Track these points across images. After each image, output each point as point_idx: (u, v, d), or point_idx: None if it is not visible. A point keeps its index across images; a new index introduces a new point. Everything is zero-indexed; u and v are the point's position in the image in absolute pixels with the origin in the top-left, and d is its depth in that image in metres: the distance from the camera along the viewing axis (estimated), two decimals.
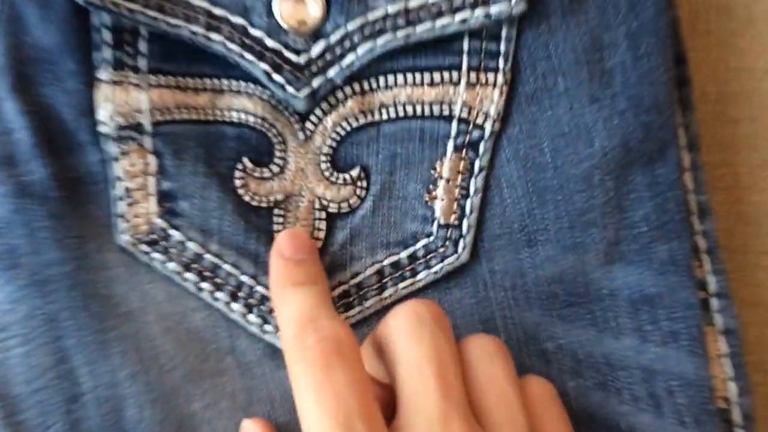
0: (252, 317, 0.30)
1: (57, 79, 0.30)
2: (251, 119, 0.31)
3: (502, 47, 0.30)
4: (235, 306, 0.30)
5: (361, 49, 0.30)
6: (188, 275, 0.30)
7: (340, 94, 0.31)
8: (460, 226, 0.31)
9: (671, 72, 0.30)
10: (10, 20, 0.30)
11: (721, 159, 0.33)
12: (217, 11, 0.30)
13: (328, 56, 0.30)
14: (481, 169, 0.31)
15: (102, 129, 0.30)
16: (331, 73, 0.30)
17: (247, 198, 0.31)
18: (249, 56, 0.30)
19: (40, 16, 0.29)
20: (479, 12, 0.29)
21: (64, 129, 0.30)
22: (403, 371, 0.25)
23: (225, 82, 0.31)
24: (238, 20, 0.30)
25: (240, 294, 0.31)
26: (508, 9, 0.29)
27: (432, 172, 0.31)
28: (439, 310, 0.27)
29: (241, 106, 0.31)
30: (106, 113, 0.30)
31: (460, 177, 0.31)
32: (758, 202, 0.33)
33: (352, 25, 0.30)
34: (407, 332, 0.26)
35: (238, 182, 0.31)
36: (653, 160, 0.30)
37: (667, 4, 0.30)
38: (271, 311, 0.30)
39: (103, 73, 0.30)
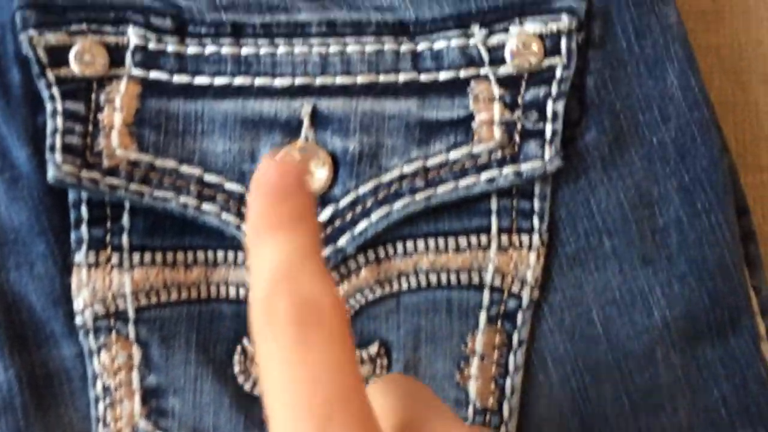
0: None
1: (26, 264, 0.26)
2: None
3: (536, 205, 0.27)
4: None
5: (375, 215, 0.26)
6: None
7: (352, 264, 0.27)
8: (500, 410, 0.27)
9: (735, 230, 0.26)
10: None
11: None
12: (211, 178, 0.26)
13: (338, 223, 0.26)
14: (520, 343, 0.27)
15: (77, 320, 0.26)
16: (342, 241, 0.26)
17: (247, 386, 0.27)
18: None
19: (8, 194, 0.26)
20: (508, 170, 0.26)
21: (33, 320, 0.26)
22: None
23: (220, 253, 0.27)
24: (234, 187, 0.26)
25: None
26: (542, 167, 0.26)
27: (463, 347, 0.27)
28: None
29: (239, 279, 0.27)
30: (81, 301, 0.26)
31: (496, 353, 0.27)
32: None
33: (363, 188, 0.27)
34: None
35: (236, 368, 0.27)
36: (725, 332, 0.26)
37: (721, 151, 0.27)
38: None
39: (79, 255, 0.26)
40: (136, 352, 0.26)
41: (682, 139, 0.27)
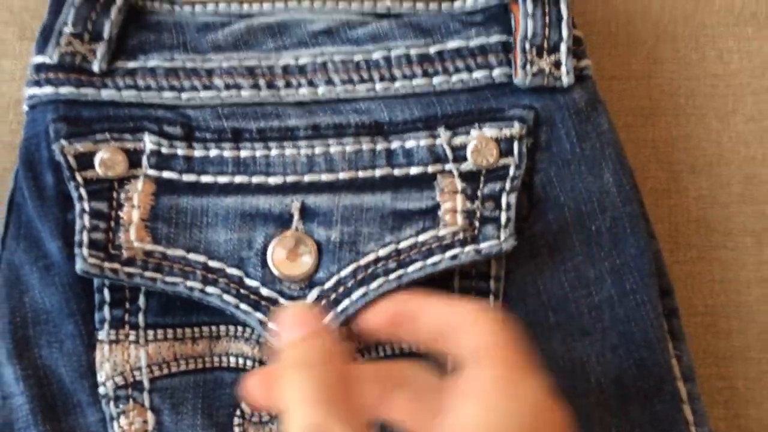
0: None
1: (57, 342, 0.30)
2: (248, 363, 0.31)
3: (492, 286, 0.31)
4: None
5: (355, 295, 0.31)
6: None
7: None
8: None
9: (659, 308, 0.31)
10: (10, 283, 0.31)
11: (716, 372, 0.34)
12: (214, 264, 0.31)
13: (324, 302, 0.31)
14: None
15: (101, 390, 0.30)
16: (327, 318, 0.31)
17: None
18: (244, 307, 0.30)
19: (42, 280, 0.30)
20: (469, 249, 0.30)
21: (62, 391, 0.30)
22: None
23: (222, 327, 0.31)
24: (234, 271, 0.31)
25: None
26: (498, 245, 0.30)
27: None
28: None
29: (238, 350, 0.31)
30: (104, 374, 0.30)
31: None
32: (758, 416, 0.33)
33: (344, 272, 0.31)
34: None
35: (236, 429, 0.31)
36: (651, 396, 0.30)
37: (648, 240, 0.31)
38: None
39: (102, 333, 0.30)
40: (151, 418, 0.30)
41: (615, 228, 0.31)
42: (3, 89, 0.38)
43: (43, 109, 0.32)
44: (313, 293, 0.31)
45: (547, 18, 0.33)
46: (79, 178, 0.31)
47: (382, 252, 0.31)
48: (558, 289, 0.31)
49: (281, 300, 0.31)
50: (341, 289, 0.31)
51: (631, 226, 0.31)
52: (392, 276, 0.31)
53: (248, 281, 0.31)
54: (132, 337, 0.30)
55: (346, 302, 0.31)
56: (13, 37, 0.39)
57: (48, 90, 0.32)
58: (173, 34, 0.34)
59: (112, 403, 0.30)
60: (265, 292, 0.31)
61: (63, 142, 0.31)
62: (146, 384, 0.30)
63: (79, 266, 0.30)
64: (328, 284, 0.31)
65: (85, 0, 0.33)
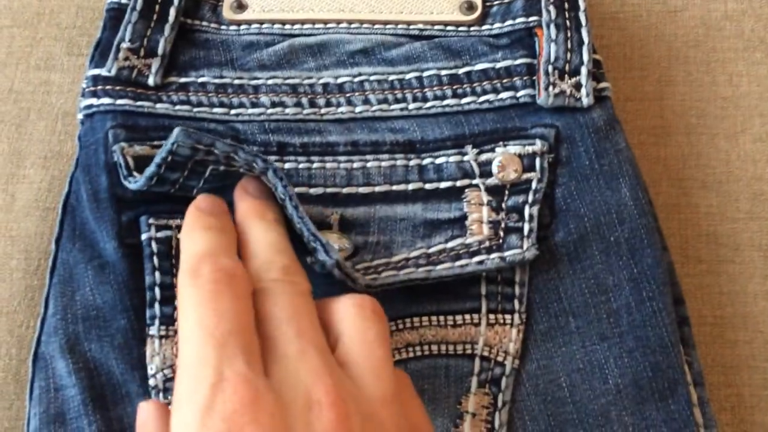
0: None
1: (107, 336, 0.32)
2: None
3: (517, 291, 0.33)
4: None
5: (383, 275, 0.32)
6: None
7: None
8: None
9: (672, 315, 0.33)
10: (63, 281, 0.33)
11: (724, 380, 0.36)
12: None
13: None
14: (504, 404, 0.32)
15: (151, 381, 0.32)
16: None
17: None
18: None
19: (95, 278, 0.32)
20: (494, 256, 0.33)
21: (111, 382, 0.32)
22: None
23: None
24: None
25: None
26: (521, 254, 0.33)
27: (458, 407, 0.33)
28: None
29: None
30: (155, 366, 0.32)
31: (484, 412, 0.32)
32: (763, 422, 0.35)
33: (376, 262, 0.33)
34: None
35: None
36: (666, 397, 0.32)
37: (662, 251, 0.33)
38: None
39: (153, 329, 0.32)
40: None
41: (633, 239, 0.33)
42: (52, 101, 0.40)
43: (102, 118, 0.34)
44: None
45: (569, 43, 0.35)
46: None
47: (413, 254, 0.33)
48: (578, 295, 0.33)
49: None
50: (371, 271, 0.33)
51: (648, 237, 0.33)
52: (421, 269, 0.32)
53: None
54: None
55: (372, 276, 0.32)
56: (61, 52, 0.41)
57: (106, 101, 0.34)
58: (221, 52, 0.36)
59: (161, 394, 0.32)
60: None
61: (123, 144, 0.33)
62: None
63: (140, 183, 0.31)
64: (360, 266, 0.33)
65: (141, 17, 0.35)
